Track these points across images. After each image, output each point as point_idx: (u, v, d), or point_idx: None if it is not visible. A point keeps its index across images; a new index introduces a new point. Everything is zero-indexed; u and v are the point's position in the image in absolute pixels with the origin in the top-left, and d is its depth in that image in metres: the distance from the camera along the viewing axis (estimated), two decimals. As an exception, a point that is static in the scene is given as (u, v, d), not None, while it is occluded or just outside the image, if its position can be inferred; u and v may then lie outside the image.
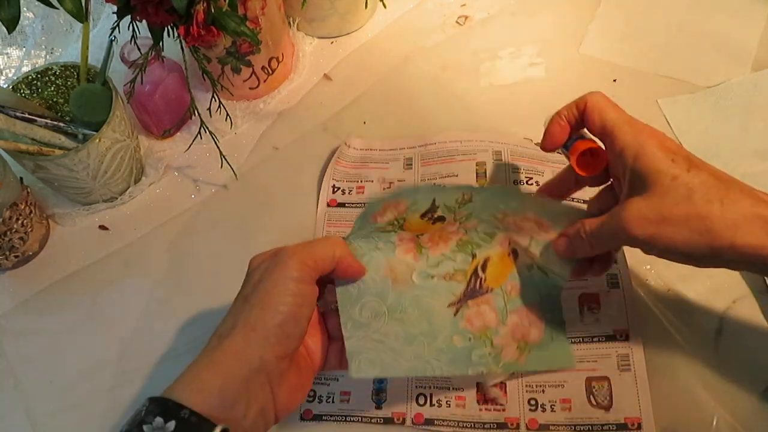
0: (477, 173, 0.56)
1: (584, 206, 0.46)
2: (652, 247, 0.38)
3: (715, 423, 0.44)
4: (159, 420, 0.32)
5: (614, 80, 0.62)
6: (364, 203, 0.57)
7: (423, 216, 0.46)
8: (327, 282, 0.42)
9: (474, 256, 0.47)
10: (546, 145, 0.45)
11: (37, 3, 0.50)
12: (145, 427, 0.32)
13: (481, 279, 0.46)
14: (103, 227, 0.59)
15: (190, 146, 0.60)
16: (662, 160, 0.37)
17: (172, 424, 0.32)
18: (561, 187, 0.48)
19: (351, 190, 0.58)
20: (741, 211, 0.35)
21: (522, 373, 0.47)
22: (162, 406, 0.33)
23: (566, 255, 0.43)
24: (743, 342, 0.47)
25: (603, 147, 0.42)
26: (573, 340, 0.48)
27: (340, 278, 0.42)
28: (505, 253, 0.47)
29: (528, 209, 0.46)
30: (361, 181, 0.59)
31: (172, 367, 0.51)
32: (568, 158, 0.44)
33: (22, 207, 0.54)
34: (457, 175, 0.57)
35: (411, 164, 0.59)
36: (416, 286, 0.45)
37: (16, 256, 0.56)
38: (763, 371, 0.46)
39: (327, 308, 0.43)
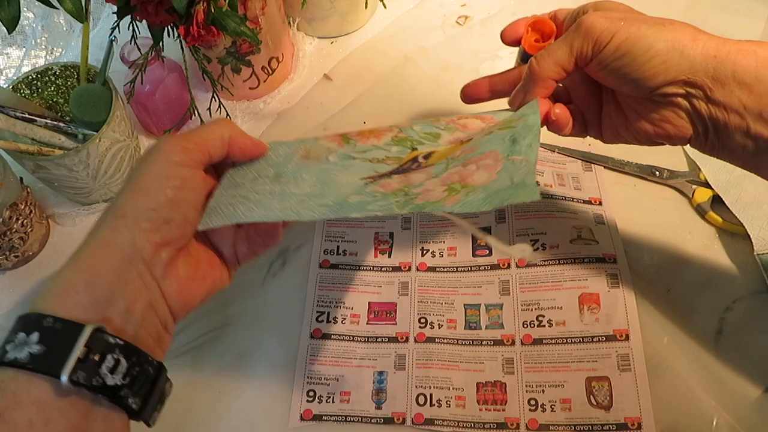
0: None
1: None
2: (612, 52, 0.37)
3: (715, 423, 0.44)
4: (21, 335, 0.29)
5: (614, 80, 0.62)
6: None
7: None
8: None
9: (414, 149, 0.40)
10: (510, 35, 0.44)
11: (37, 3, 0.50)
12: (8, 347, 0.29)
13: (420, 164, 0.38)
14: (103, 227, 0.59)
15: (190, 146, 0.60)
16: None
17: (35, 336, 0.29)
18: (502, 81, 0.45)
19: None
20: (685, 27, 0.36)
21: (445, 214, 0.33)
22: (24, 320, 0.30)
23: (521, 99, 0.41)
24: (743, 342, 0.47)
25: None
26: (572, 340, 0.48)
27: (239, 161, 0.38)
28: (456, 143, 0.40)
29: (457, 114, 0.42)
30: None
31: (172, 367, 0.51)
32: (521, 50, 0.44)
33: (22, 207, 0.54)
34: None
35: None
36: (329, 163, 0.39)
37: (16, 256, 0.56)
38: (763, 371, 0.46)
39: None
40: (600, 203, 0.54)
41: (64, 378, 0.28)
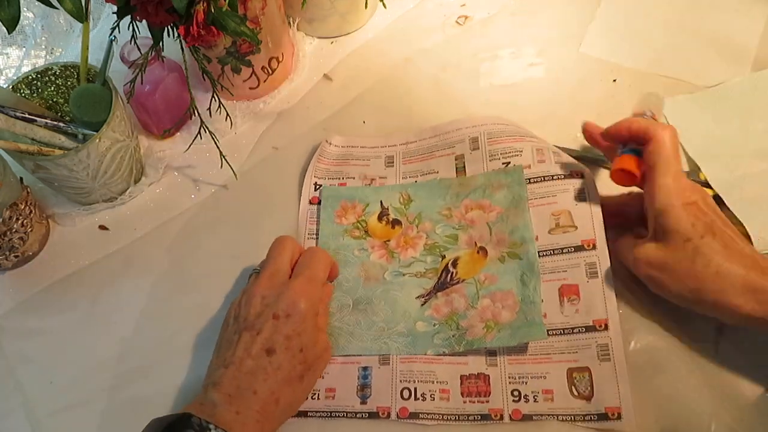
0: (456, 168, 0.57)
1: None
2: (648, 284, 0.46)
3: (714, 423, 0.43)
4: None
5: (614, 80, 0.62)
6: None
7: (380, 219, 0.55)
8: None
9: (443, 257, 0.52)
10: (606, 137, 0.50)
11: (37, 3, 0.50)
12: None
13: (451, 273, 0.52)
14: (103, 227, 0.59)
15: (190, 146, 0.60)
16: (683, 223, 0.43)
17: None
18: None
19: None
20: (732, 280, 0.41)
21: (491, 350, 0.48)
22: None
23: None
24: (743, 342, 0.47)
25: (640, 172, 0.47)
26: (553, 331, 0.48)
27: None
28: (473, 251, 0.52)
29: (461, 195, 0.54)
30: (343, 178, 0.59)
31: (172, 367, 0.51)
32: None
33: (22, 207, 0.54)
34: (437, 172, 0.57)
35: (392, 162, 0.59)
36: (387, 282, 0.52)
37: (16, 256, 0.56)
38: (763, 371, 0.46)
39: None
40: (582, 176, 0.53)
41: None
